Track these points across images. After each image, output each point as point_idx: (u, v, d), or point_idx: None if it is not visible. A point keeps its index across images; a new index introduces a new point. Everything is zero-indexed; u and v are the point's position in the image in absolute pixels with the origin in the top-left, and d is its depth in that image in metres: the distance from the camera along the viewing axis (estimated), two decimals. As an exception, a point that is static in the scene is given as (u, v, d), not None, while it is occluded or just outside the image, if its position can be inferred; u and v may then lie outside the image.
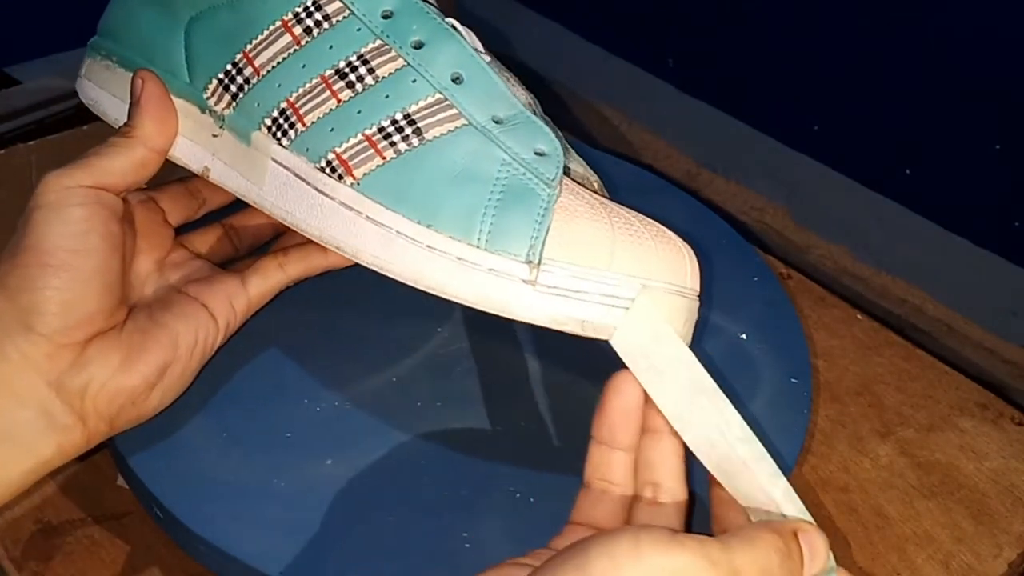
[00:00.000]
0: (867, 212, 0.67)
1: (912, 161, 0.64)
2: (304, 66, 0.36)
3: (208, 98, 0.38)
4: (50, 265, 0.33)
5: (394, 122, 0.35)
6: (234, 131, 0.38)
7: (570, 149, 0.39)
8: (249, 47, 0.37)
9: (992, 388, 0.51)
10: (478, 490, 0.38)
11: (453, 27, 0.37)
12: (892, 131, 0.65)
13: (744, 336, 0.45)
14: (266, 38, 0.37)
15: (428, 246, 0.34)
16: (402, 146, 0.35)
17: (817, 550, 0.30)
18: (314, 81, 0.36)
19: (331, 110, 0.36)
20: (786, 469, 0.40)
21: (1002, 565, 0.42)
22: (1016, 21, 0.56)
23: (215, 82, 0.38)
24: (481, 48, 0.38)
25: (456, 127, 0.35)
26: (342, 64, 0.36)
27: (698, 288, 0.36)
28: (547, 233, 0.33)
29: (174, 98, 0.38)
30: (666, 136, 0.79)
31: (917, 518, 0.44)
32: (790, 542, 0.29)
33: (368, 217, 0.35)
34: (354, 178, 0.35)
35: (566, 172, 0.36)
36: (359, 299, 0.45)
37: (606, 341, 0.34)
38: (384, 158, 0.35)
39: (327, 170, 0.36)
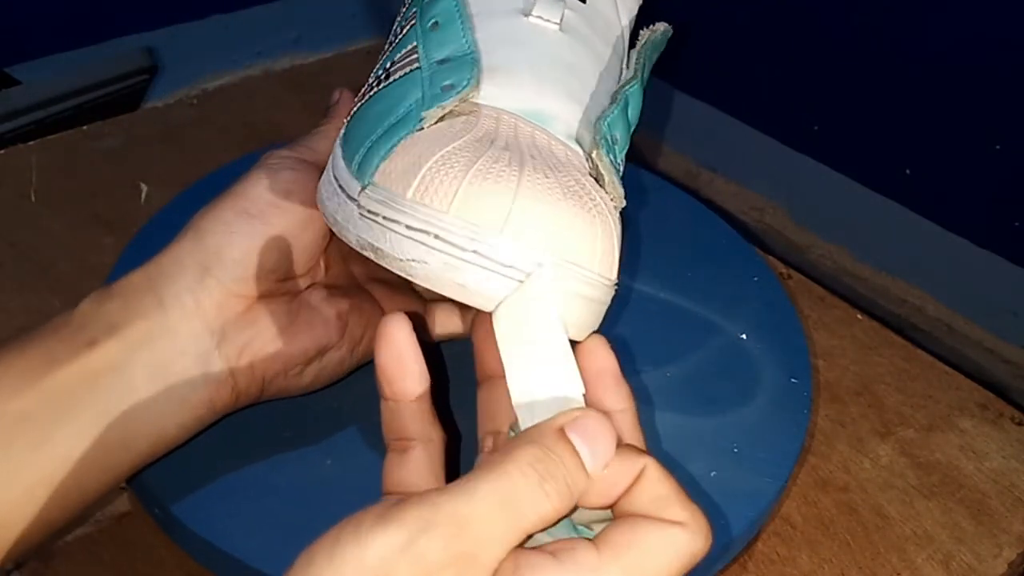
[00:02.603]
0: (867, 212, 0.67)
1: (912, 161, 0.64)
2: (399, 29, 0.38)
3: None
4: (246, 212, 0.35)
5: (384, 68, 0.36)
6: None
7: (603, 121, 0.36)
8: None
9: (992, 388, 0.51)
10: (478, 490, 0.38)
11: None
12: (892, 131, 0.65)
13: (744, 336, 0.45)
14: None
15: (334, 175, 0.34)
16: (375, 89, 0.35)
17: (598, 438, 0.26)
18: (390, 39, 0.38)
19: (379, 63, 0.37)
20: (786, 469, 0.40)
21: (1002, 565, 0.42)
22: (1016, 21, 0.56)
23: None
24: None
25: (409, 71, 0.34)
26: (398, 23, 0.38)
27: (599, 268, 0.30)
28: (386, 157, 0.31)
29: None
30: (666, 136, 0.79)
31: (917, 518, 0.44)
32: (555, 445, 0.25)
33: (334, 151, 0.35)
34: (348, 117, 0.36)
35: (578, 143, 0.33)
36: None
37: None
38: (363, 99, 0.35)
39: None
